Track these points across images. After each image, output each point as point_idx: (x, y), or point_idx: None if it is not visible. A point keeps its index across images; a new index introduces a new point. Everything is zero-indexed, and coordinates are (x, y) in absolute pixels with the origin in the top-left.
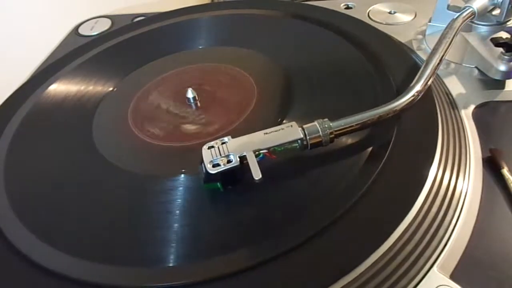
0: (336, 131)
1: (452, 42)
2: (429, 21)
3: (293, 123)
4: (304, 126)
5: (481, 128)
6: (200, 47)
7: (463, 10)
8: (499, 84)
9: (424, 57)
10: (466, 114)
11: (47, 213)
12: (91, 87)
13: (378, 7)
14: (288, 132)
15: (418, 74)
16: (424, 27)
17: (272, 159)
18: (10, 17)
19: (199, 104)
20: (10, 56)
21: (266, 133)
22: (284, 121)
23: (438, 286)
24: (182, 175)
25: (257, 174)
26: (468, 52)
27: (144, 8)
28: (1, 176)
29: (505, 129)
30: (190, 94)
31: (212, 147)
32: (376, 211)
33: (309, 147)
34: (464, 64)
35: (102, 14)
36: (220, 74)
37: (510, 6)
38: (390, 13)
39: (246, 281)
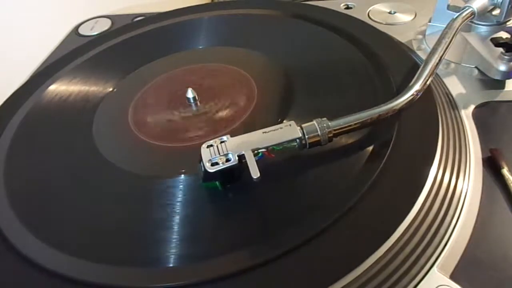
0: (334, 130)
1: (452, 42)
2: (429, 21)
3: (292, 122)
4: (303, 125)
5: (481, 128)
6: (200, 47)
7: (463, 10)
8: (499, 84)
9: (424, 57)
10: (466, 114)
11: (47, 213)
12: (91, 87)
13: (378, 7)
14: (287, 131)
15: (417, 73)
16: (424, 27)
17: (270, 158)
18: (10, 17)
19: (199, 104)
20: (10, 56)
21: (265, 132)
22: (284, 121)
23: (438, 286)
24: (182, 175)
25: (255, 173)
26: (468, 52)
27: (144, 8)
28: (1, 176)
29: (505, 129)
30: (190, 94)
31: (211, 145)
32: (376, 211)
33: (307, 146)
34: (464, 64)
35: (102, 14)
36: (220, 74)
37: (510, 6)
38: (390, 13)
39: (245, 281)
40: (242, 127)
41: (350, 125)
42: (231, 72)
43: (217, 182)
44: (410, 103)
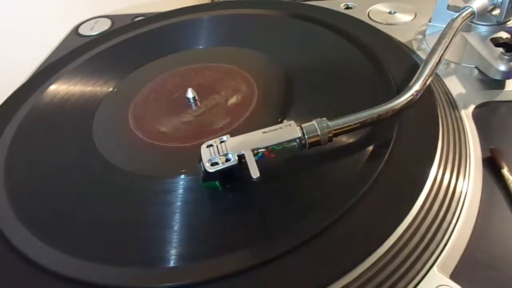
0: (334, 130)
1: (452, 42)
2: (429, 21)
3: (292, 122)
4: (303, 125)
5: (481, 128)
6: (200, 47)
7: (463, 10)
8: (499, 84)
9: (424, 57)
10: (466, 114)
11: (47, 214)
12: (91, 87)
13: (378, 7)
14: (287, 131)
15: (417, 73)
16: (424, 27)
17: (270, 158)
18: (10, 17)
19: (199, 104)
20: (10, 56)
21: (265, 132)
22: (284, 121)
23: (438, 286)
24: (182, 175)
25: (255, 173)
26: (468, 52)
27: (144, 8)
28: (1, 176)
29: (505, 129)
30: (190, 94)
31: (211, 145)
32: (376, 211)
33: (307, 146)
34: (464, 64)
35: (102, 14)
36: (220, 74)
37: (510, 6)
38: (390, 13)
39: (245, 281)
40: (242, 127)
41: (350, 125)
42: (231, 72)
43: (217, 182)
44: (410, 103)
